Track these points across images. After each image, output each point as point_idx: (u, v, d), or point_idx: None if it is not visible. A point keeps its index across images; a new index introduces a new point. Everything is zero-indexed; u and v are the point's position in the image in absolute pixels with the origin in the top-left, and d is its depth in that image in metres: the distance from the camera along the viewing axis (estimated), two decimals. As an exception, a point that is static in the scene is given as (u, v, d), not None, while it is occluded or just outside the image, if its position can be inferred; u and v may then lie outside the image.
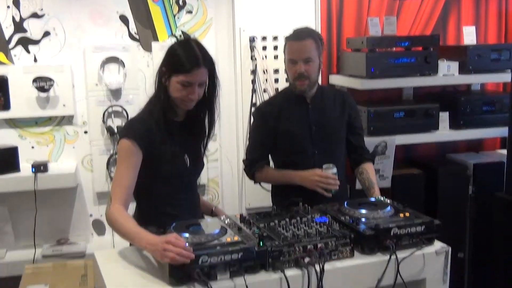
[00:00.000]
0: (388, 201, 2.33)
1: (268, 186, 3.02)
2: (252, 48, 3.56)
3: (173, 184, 2.32)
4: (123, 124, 3.42)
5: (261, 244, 1.87)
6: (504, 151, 3.52)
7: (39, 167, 3.25)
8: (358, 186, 2.97)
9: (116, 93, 3.47)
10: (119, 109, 3.47)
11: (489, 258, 3.44)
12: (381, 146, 3.41)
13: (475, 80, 3.79)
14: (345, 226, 2.08)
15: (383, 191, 2.72)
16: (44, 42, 3.38)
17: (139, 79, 3.51)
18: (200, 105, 2.31)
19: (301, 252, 1.92)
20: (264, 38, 3.59)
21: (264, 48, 3.59)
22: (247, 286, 1.79)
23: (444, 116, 3.59)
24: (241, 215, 2.20)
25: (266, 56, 3.60)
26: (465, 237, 3.69)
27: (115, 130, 3.43)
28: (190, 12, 3.56)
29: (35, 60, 3.38)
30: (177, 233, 1.90)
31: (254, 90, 3.60)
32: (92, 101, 3.45)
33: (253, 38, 3.56)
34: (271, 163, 2.87)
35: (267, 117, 2.77)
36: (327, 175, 2.56)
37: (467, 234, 3.69)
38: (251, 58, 3.58)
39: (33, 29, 3.36)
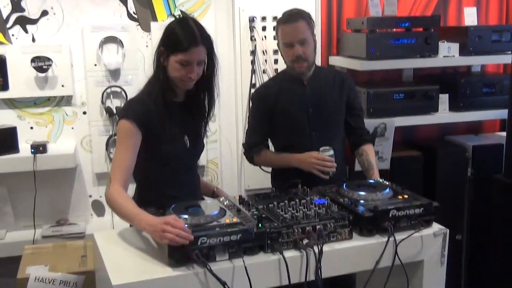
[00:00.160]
0: (387, 183, 2.34)
1: (268, 168, 3.03)
2: (251, 29, 3.53)
3: (173, 165, 2.32)
4: (122, 104, 3.41)
5: (260, 226, 1.88)
6: (504, 134, 3.51)
7: (38, 148, 3.24)
8: (357, 167, 2.97)
9: (115, 74, 3.45)
10: (118, 89, 3.45)
11: (487, 240, 3.45)
12: (380, 128, 3.41)
13: (476, 61, 3.77)
14: (344, 208, 2.09)
15: (382, 173, 2.72)
16: (42, 21, 3.35)
17: (138, 60, 3.49)
18: (199, 85, 2.30)
19: (300, 233, 1.92)
20: (263, 18, 3.56)
21: (264, 28, 3.57)
22: (246, 267, 1.80)
23: (443, 98, 3.58)
24: (240, 197, 2.21)
25: (265, 37, 3.57)
26: (463, 219, 3.69)
27: (114, 111, 3.41)
28: (189, -9, 3.53)
29: (33, 39, 3.35)
30: (176, 214, 1.90)
31: (253, 71, 3.58)
32: (91, 82, 3.43)
33: (253, 18, 3.53)
34: (271, 147, 2.87)
35: (265, 100, 2.76)
36: (323, 158, 2.56)
37: (465, 216, 3.69)
38: (251, 39, 3.55)
39: (31, 8, 3.32)
